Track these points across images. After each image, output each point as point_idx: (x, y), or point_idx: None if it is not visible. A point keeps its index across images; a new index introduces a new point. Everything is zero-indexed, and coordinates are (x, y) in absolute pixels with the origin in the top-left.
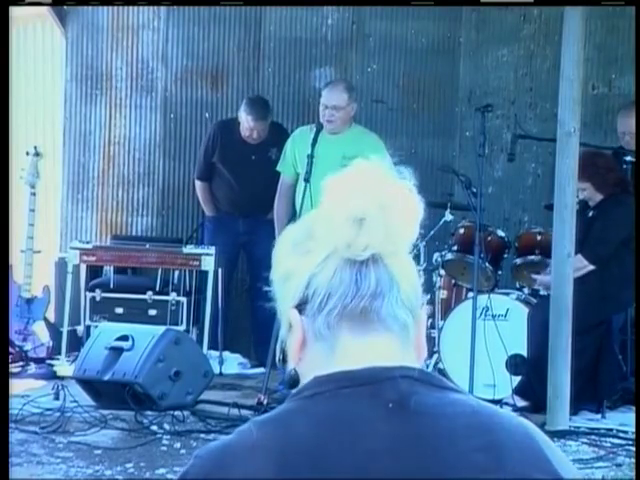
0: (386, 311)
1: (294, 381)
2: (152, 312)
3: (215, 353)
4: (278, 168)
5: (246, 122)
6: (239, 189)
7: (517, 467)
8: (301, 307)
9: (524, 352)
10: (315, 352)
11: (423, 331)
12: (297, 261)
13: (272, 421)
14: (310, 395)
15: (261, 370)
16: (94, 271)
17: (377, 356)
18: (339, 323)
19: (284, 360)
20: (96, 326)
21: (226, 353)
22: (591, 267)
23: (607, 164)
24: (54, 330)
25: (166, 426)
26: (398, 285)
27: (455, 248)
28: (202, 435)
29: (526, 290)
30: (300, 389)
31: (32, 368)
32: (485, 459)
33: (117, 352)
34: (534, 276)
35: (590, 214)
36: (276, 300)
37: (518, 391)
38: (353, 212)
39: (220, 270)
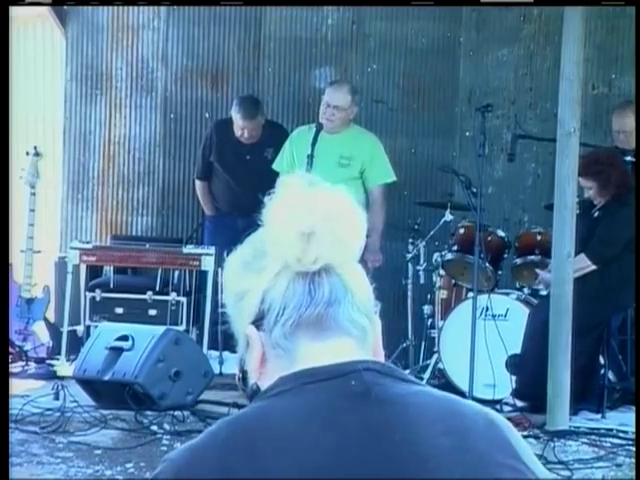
0: (343, 316)
1: (255, 393)
2: (152, 312)
3: (215, 353)
4: (274, 166)
5: (236, 121)
6: (236, 188)
7: (483, 449)
8: (258, 323)
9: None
10: (275, 363)
11: (379, 335)
12: (250, 280)
13: (241, 419)
14: (276, 393)
15: None
16: (94, 271)
17: (337, 356)
18: (295, 332)
19: (244, 379)
20: (96, 326)
21: (226, 353)
22: (593, 267)
23: (614, 164)
24: (54, 330)
25: (166, 426)
26: (352, 292)
27: (455, 248)
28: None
29: (526, 290)
30: (266, 389)
31: (32, 368)
32: (451, 442)
33: (117, 352)
34: (537, 270)
35: (595, 214)
36: (231, 322)
37: (517, 393)
38: (301, 227)
39: (220, 270)
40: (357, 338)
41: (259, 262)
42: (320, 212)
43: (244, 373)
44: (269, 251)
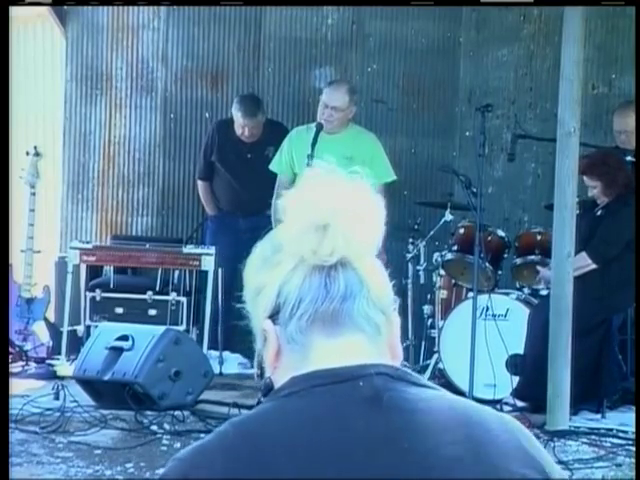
0: (357, 312)
1: (269, 389)
2: (152, 312)
3: (215, 353)
4: (272, 168)
5: (237, 119)
6: (238, 188)
7: (495, 459)
8: (274, 317)
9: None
10: (289, 358)
11: (397, 333)
12: (267, 274)
13: (248, 421)
14: (286, 394)
15: None
16: (94, 271)
17: (351, 356)
18: (311, 327)
19: (262, 375)
20: (96, 326)
21: (226, 353)
22: (593, 266)
23: (618, 164)
24: (54, 330)
25: (166, 426)
26: (368, 286)
27: (455, 248)
28: (202, 435)
29: (526, 290)
30: (277, 389)
31: (32, 368)
32: (461, 452)
33: (117, 352)
34: (538, 267)
35: (598, 213)
36: (250, 318)
37: (517, 393)
38: (316, 220)
39: (220, 270)
40: (370, 335)
41: (276, 256)
42: (335, 204)
43: (262, 369)
44: (285, 245)
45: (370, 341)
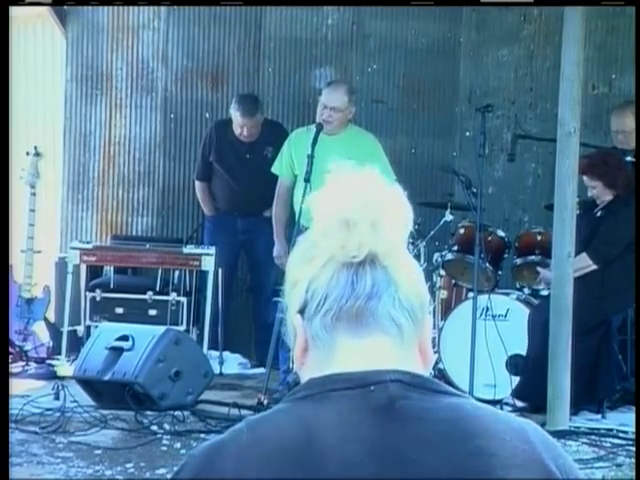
0: (382, 312)
1: (296, 385)
2: (152, 312)
3: (215, 353)
4: (273, 170)
5: (235, 119)
6: (236, 188)
7: (506, 472)
8: (303, 312)
9: (524, 352)
10: (315, 355)
11: (428, 336)
12: (301, 269)
13: (263, 421)
14: (302, 397)
15: (261, 370)
16: (94, 271)
17: (373, 359)
18: (335, 325)
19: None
20: (96, 326)
21: (226, 353)
22: (594, 267)
23: (618, 164)
24: (54, 330)
25: (166, 426)
26: (396, 286)
27: (455, 248)
28: (202, 435)
29: (526, 290)
30: (294, 390)
31: (32, 368)
32: (473, 464)
33: (117, 352)
34: (538, 268)
35: (598, 213)
36: (286, 311)
37: (517, 393)
38: (342, 215)
39: (220, 270)
40: (394, 336)
41: (310, 252)
42: (361, 199)
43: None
44: (318, 241)
45: (395, 343)
